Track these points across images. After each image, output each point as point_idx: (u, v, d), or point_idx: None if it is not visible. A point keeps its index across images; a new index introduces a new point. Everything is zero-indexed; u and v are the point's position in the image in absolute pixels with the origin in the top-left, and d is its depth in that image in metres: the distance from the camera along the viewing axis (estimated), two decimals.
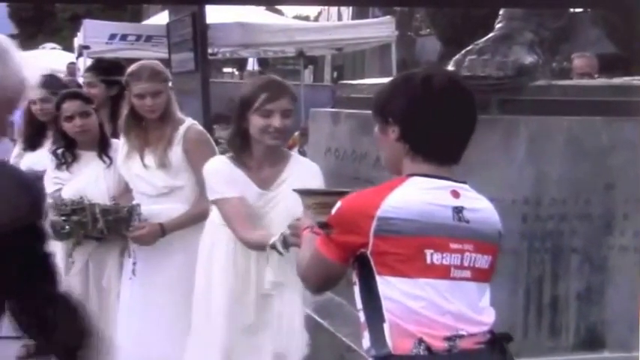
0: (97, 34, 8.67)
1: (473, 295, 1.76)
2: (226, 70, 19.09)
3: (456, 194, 1.77)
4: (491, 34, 3.29)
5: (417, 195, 1.74)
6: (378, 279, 1.72)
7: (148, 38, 8.64)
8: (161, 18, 9.19)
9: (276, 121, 2.50)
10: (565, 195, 2.94)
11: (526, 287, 2.94)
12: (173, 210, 3.00)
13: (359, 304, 1.79)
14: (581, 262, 2.97)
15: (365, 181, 3.42)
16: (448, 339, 1.69)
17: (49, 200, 3.14)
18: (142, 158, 3.00)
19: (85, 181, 3.18)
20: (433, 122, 1.79)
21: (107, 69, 3.86)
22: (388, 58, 9.18)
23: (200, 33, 6.98)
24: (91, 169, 3.24)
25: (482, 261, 1.77)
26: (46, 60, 12.83)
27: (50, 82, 3.84)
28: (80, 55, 9.18)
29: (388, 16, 8.96)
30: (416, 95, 1.80)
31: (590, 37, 8.93)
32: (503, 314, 2.84)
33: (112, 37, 8.61)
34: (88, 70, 4.25)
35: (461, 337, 1.70)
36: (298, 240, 2.10)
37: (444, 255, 1.72)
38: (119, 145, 3.15)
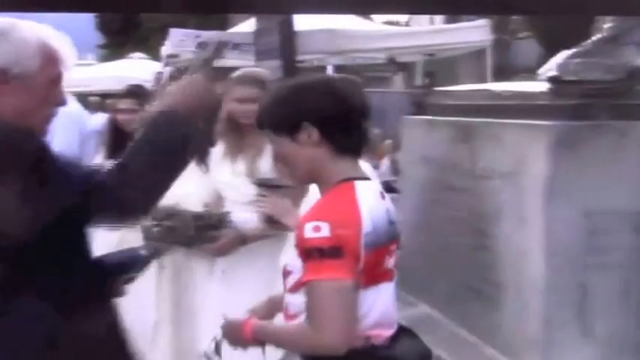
0: (184, 43, 8.92)
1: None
2: None
3: (382, 196, 1.89)
4: (598, 35, 3.24)
5: (370, 204, 1.80)
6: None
7: (235, 46, 8.80)
8: (248, 26, 9.39)
9: None
10: None
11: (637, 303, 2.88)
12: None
13: (301, 311, 1.82)
14: None
15: (460, 190, 3.42)
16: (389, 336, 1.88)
17: None
18: (233, 165, 3.10)
19: (180, 188, 3.30)
20: (350, 117, 1.86)
21: None
22: (483, 64, 9.09)
23: (288, 40, 7.11)
24: (187, 175, 3.35)
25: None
26: (134, 70, 13.32)
27: (136, 91, 3.96)
28: (167, 64, 9.47)
29: (483, 20, 8.85)
30: (330, 91, 1.86)
31: None
32: (615, 333, 2.79)
33: (200, 45, 8.83)
34: (172, 78, 4.37)
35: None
36: (237, 339, 1.97)
37: (391, 259, 1.88)
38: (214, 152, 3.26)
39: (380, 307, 1.85)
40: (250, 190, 3.06)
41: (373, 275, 1.81)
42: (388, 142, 7.75)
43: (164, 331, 3.40)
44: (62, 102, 1.90)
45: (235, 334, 1.96)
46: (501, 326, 3.06)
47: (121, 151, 4.07)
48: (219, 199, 3.22)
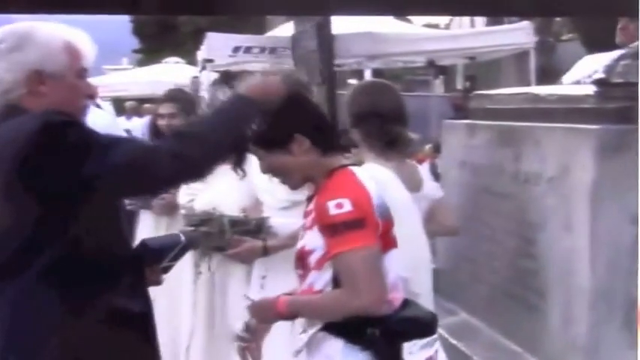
0: (220, 47, 8.95)
1: None
2: (351, 81, 19.30)
3: (372, 179, 2.14)
4: None
5: (369, 183, 2.09)
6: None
7: (272, 50, 8.85)
8: (285, 29, 9.44)
9: None
10: None
11: None
12: (294, 225, 3.09)
13: (330, 286, 2.06)
14: None
15: (502, 196, 3.41)
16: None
17: (182, 211, 3.35)
18: None
19: (218, 193, 3.35)
20: (331, 121, 2.25)
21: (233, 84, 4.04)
22: (526, 66, 9.00)
23: (326, 44, 7.14)
24: (225, 180, 3.40)
25: None
26: (170, 74, 13.50)
27: (177, 96, 4.00)
28: (203, 68, 9.56)
29: (526, 22, 8.78)
30: (312, 105, 2.19)
31: None
32: None
33: (236, 49, 8.86)
34: (214, 84, 4.43)
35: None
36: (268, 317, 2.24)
37: (393, 228, 2.13)
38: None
39: (393, 272, 2.10)
40: (282, 196, 3.08)
41: (385, 242, 2.07)
42: (428, 146, 7.72)
43: (200, 337, 3.44)
44: (92, 93, 2.08)
45: (266, 312, 2.21)
46: (545, 335, 3.04)
47: None
48: (257, 204, 3.24)
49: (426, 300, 2.58)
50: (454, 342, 3.32)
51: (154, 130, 3.98)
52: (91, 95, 2.08)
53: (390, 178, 2.64)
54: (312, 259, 2.10)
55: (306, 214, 2.19)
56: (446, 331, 3.24)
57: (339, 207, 1.98)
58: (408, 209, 2.68)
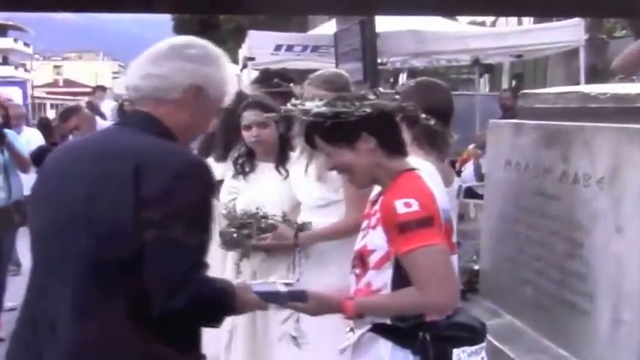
0: (262, 45, 9.00)
1: None
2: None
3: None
4: None
5: (434, 188, 2.14)
6: None
7: (315, 48, 8.89)
8: (328, 27, 9.46)
9: None
10: None
11: None
12: (327, 224, 3.10)
13: (389, 286, 2.10)
14: None
15: (550, 197, 3.38)
16: None
17: (223, 210, 3.39)
18: (306, 167, 3.16)
19: (259, 192, 3.38)
20: (394, 120, 2.23)
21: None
22: (575, 64, 8.87)
23: (369, 42, 7.14)
24: (267, 180, 3.43)
25: None
26: None
27: None
28: (245, 66, 9.63)
29: (576, 19, 8.65)
30: (381, 105, 2.18)
31: None
32: None
33: (278, 47, 8.91)
34: (254, 82, 4.46)
35: None
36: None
37: (454, 234, 2.23)
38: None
39: None
40: (316, 194, 3.10)
41: (448, 246, 2.12)
42: (472, 146, 7.68)
43: (240, 335, 3.47)
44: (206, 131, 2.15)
45: (325, 309, 2.17)
46: (593, 338, 3.01)
47: (204, 150, 4.17)
48: (297, 205, 3.28)
49: None
50: (498, 345, 3.31)
51: None
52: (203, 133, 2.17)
53: (433, 172, 2.67)
54: (373, 258, 2.13)
55: (369, 216, 2.22)
56: (490, 334, 3.21)
57: (408, 206, 2.03)
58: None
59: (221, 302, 1.86)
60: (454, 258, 2.20)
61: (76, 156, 1.89)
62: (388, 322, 2.14)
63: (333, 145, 2.20)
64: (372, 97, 2.23)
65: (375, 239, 2.13)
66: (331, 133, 2.18)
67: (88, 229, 1.74)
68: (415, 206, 2.02)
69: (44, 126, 9.08)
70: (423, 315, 2.10)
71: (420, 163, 2.33)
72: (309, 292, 2.16)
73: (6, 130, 5.54)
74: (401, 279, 2.08)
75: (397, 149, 2.21)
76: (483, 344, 2.16)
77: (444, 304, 2.09)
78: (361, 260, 2.18)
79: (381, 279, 2.12)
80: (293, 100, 2.33)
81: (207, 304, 1.80)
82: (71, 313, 1.73)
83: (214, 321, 1.91)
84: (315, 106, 2.19)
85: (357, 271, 2.20)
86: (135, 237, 1.70)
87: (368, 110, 2.15)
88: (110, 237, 1.72)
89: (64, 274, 1.76)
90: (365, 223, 2.24)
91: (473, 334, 2.13)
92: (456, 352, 2.07)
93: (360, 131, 2.15)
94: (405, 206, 2.03)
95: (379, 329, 2.14)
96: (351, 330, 2.22)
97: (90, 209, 1.75)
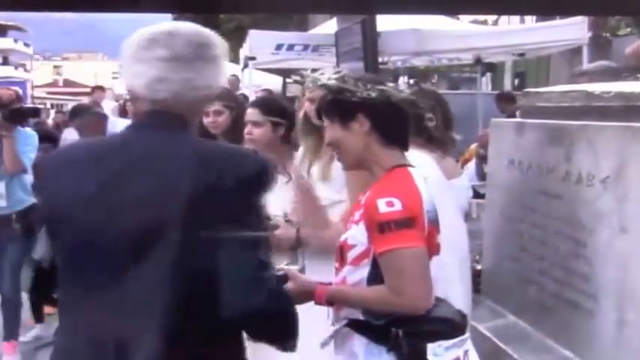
0: (263, 45, 9.02)
1: None
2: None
3: (425, 181, 2.17)
4: None
5: (423, 187, 2.12)
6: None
7: (316, 48, 8.88)
8: (328, 27, 9.46)
9: None
10: None
11: None
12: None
13: (364, 282, 2.10)
14: None
15: (554, 196, 3.37)
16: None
17: None
18: (309, 167, 3.14)
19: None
20: (400, 114, 2.20)
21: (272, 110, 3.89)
22: (578, 63, 8.84)
23: (370, 41, 7.12)
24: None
25: None
26: None
27: (223, 93, 4.01)
28: (246, 66, 9.63)
29: (579, 16, 8.62)
30: (389, 94, 2.17)
31: None
32: None
33: (279, 47, 8.92)
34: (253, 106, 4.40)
35: None
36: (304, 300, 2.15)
37: (439, 235, 2.17)
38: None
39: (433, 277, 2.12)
40: (320, 195, 3.09)
41: (429, 248, 2.10)
42: (474, 145, 7.66)
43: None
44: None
45: (305, 295, 2.17)
46: (597, 339, 3.00)
47: None
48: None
49: (465, 286, 2.61)
50: (501, 345, 3.30)
51: (201, 127, 3.99)
52: None
53: (427, 162, 2.69)
54: (352, 254, 2.14)
55: (355, 208, 2.22)
56: (493, 334, 3.22)
57: (390, 205, 2.02)
58: (443, 194, 2.71)
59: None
60: (437, 259, 2.16)
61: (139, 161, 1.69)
62: (361, 317, 2.13)
63: (328, 119, 2.25)
64: (388, 85, 2.24)
65: (357, 235, 2.13)
66: (330, 107, 2.23)
67: (181, 242, 1.59)
68: (397, 206, 2.03)
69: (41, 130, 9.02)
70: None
71: (418, 156, 2.33)
72: (291, 273, 2.20)
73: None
74: (377, 277, 2.09)
75: (395, 140, 2.21)
76: (464, 336, 2.13)
77: (414, 308, 2.06)
78: (340, 254, 2.19)
79: (358, 274, 2.12)
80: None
81: (283, 302, 1.76)
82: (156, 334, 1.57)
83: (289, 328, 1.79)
84: (326, 78, 2.24)
85: (337, 264, 2.22)
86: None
87: (372, 94, 2.15)
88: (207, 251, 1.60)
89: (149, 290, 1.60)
90: (351, 216, 2.24)
91: (450, 328, 2.11)
92: (431, 347, 2.05)
93: (357, 112, 2.18)
94: (387, 205, 2.03)
95: (354, 325, 2.14)
96: (333, 323, 2.23)
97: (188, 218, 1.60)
